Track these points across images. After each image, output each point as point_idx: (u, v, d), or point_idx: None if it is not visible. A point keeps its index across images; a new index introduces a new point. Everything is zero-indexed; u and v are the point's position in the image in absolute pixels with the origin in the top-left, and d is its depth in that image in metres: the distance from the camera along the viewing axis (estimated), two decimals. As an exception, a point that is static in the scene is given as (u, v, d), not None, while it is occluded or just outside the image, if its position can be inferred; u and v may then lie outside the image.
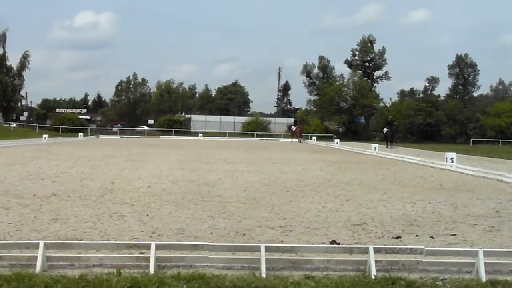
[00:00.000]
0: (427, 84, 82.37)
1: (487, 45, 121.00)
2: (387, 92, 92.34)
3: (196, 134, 57.44)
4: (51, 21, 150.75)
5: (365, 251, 5.10)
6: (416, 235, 6.90)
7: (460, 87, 79.73)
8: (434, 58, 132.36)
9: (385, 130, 38.76)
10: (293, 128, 51.33)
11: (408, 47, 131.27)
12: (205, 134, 56.79)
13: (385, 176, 15.20)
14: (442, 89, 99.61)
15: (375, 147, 28.06)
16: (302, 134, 51.03)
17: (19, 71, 64.83)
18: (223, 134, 60.18)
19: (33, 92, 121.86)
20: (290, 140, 50.86)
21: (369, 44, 73.04)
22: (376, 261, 4.98)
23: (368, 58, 73.34)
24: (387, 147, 34.61)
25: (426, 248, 5.22)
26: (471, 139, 58.13)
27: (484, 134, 61.81)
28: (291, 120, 68.77)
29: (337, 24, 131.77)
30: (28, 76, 70.94)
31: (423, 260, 5.15)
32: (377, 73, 74.26)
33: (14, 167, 15.44)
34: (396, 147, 35.79)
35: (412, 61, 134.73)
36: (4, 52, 62.91)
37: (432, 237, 6.78)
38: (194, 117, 70.94)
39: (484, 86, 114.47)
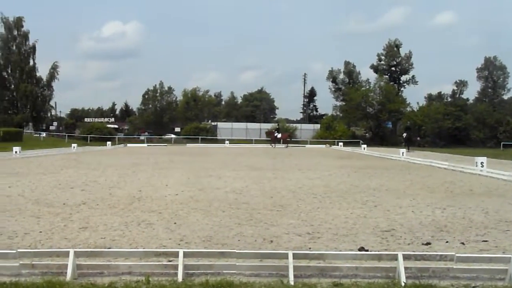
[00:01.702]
0: (455, 88, 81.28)
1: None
2: (414, 96, 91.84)
3: (222, 141, 57.70)
4: (79, 32, 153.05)
5: (394, 258, 5.04)
6: (446, 241, 6.78)
7: (490, 90, 78.48)
8: (462, 61, 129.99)
9: (404, 134, 41.24)
10: (277, 134, 51.09)
11: (435, 51, 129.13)
12: (231, 141, 57.06)
13: (414, 181, 15.00)
14: (471, 93, 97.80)
15: (402, 152, 27.78)
16: (288, 140, 50.65)
17: (49, 82, 66.20)
18: (249, 141, 60.28)
19: (62, 102, 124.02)
20: (270, 145, 50.66)
21: (395, 49, 72.45)
22: (406, 268, 4.91)
23: (395, 63, 72.74)
24: (408, 151, 34.63)
25: (457, 255, 5.12)
26: (501, 143, 56.93)
27: (515, 137, 60.53)
28: (317, 126, 68.62)
29: (363, 29, 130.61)
30: (57, 86, 72.61)
31: (454, 266, 5.06)
32: (403, 78, 73.62)
33: (44, 176, 15.74)
34: (413, 151, 35.89)
35: (439, 65, 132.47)
36: (34, 63, 64.42)
37: (463, 243, 6.66)
38: (220, 125, 71.35)
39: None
